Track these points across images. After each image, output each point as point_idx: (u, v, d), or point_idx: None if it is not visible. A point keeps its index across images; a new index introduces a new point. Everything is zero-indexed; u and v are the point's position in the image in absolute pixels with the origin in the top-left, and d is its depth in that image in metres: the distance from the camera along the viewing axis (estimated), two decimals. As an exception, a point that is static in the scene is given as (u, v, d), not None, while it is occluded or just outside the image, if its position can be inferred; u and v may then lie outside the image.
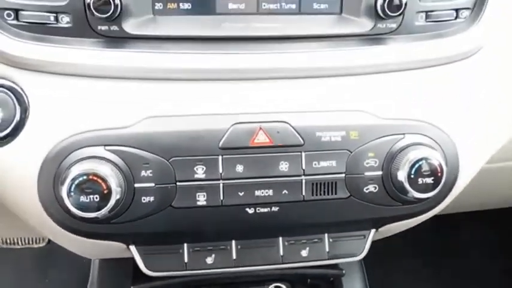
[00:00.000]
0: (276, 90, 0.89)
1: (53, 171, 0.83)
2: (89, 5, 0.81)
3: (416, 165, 0.85)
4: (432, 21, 0.96)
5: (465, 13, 0.96)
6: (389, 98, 0.93)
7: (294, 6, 0.94)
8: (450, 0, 0.95)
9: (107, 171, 0.79)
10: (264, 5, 0.93)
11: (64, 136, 0.83)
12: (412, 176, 0.85)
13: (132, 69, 0.85)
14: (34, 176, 0.85)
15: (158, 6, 0.90)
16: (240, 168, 0.85)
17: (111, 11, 0.81)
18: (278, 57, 0.88)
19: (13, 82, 0.84)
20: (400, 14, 0.90)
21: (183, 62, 0.86)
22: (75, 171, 0.78)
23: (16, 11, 0.84)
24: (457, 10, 0.96)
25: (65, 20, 0.85)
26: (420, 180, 0.85)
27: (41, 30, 0.85)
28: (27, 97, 0.84)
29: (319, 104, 0.90)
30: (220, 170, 0.85)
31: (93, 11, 0.81)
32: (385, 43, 0.93)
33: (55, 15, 0.84)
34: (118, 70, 0.84)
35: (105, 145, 0.82)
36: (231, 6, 0.92)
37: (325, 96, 0.91)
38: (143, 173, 0.82)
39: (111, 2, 0.81)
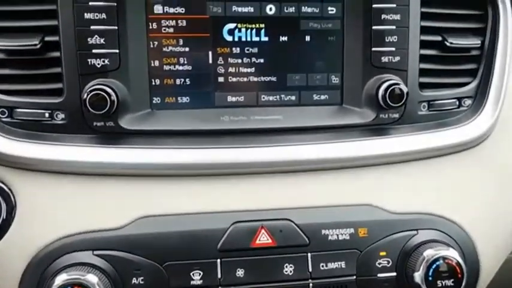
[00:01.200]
0: (277, 185, 0.85)
1: (36, 278, 0.77)
2: (85, 101, 0.79)
3: (434, 266, 0.78)
4: (435, 111, 0.94)
5: (468, 102, 0.95)
6: (397, 191, 0.89)
7: (293, 97, 0.92)
8: (452, 89, 0.94)
9: (94, 279, 0.71)
10: (264, 97, 0.91)
11: (51, 239, 0.78)
12: (430, 279, 0.77)
13: (127, 166, 0.81)
14: (15, 282, 0.78)
15: (156, 100, 0.88)
16: (240, 272, 0.78)
17: (107, 108, 0.79)
18: (279, 151, 0.85)
19: (1, 181, 0.80)
20: (402, 105, 0.88)
21: (181, 157, 0.82)
22: (59, 280, 0.71)
23: (11, 109, 0.82)
24: (459, 99, 0.95)
25: (60, 117, 0.83)
26: (439, 283, 0.78)
27: (34, 127, 0.83)
28: (14, 197, 0.79)
29: (323, 199, 0.85)
30: (219, 275, 0.77)
31: (89, 107, 0.79)
32: (388, 133, 0.91)
33: (50, 112, 0.82)
34: (113, 167, 0.81)
35: (93, 249, 0.76)
36: (230, 99, 0.91)
37: (329, 190, 0.86)
38: (134, 280, 0.75)
39: (108, 98, 0.79)
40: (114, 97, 0.80)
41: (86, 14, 0.81)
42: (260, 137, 0.88)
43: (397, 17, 0.89)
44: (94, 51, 0.82)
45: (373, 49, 0.90)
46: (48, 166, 0.80)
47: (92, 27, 0.81)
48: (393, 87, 0.87)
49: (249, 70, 0.90)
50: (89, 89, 0.79)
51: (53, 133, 0.83)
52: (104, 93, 0.79)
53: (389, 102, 0.87)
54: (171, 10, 0.86)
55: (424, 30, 0.91)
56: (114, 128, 0.83)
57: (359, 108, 0.92)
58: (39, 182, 0.80)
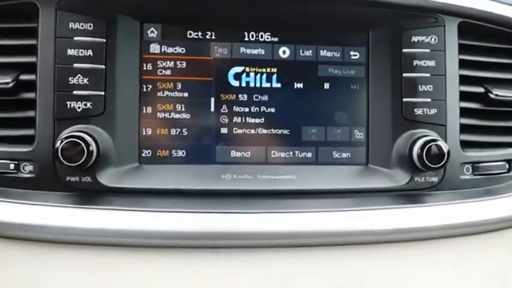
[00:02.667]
0: (288, 264, 0.67)
1: None
2: (57, 150, 0.65)
3: None
4: (480, 175, 0.78)
5: (520, 165, 0.80)
6: (434, 277, 0.70)
7: (309, 155, 0.78)
8: (500, 150, 0.79)
9: None
10: (274, 154, 0.77)
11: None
12: None
13: (106, 234, 0.65)
14: None
15: (146, 153, 0.74)
16: None
17: (83, 159, 0.65)
18: (290, 219, 0.68)
19: None
20: (442, 166, 0.72)
21: (173, 223, 0.66)
22: None
23: (-30, 158, 0.69)
24: (509, 161, 0.79)
25: (27, 169, 0.69)
26: None
27: (-5, 181, 0.69)
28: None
29: (341, 281, 0.67)
30: None
31: (61, 158, 0.65)
32: (425, 201, 0.74)
33: (17, 163, 0.69)
34: (88, 235, 0.65)
35: None
36: (234, 154, 0.76)
37: (350, 273, 0.69)
38: None
39: (85, 147, 0.65)
40: (93, 147, 0.66)
41: (69, 49, 0.69)
42: (268, 201, 0.72)
43: (432, 63, 0.76)
44: (75, 92, 0.69)
45: (404, 100, 0.76)
46: (12, 231, 0.65)
47: (75, 65, 0.69)
48: (431, 144, 0.72)
49: (257, 121, 0.77)
50: (64, 136, 0.66)
51: (18, 189, 0.69)
52: (80, 142, 0.65)
53: (427, 162, 0.72)
54: (170, 50, 0.75)
55: (463, 79, 0.78)
56: (91, 184, 0.69)
57: (388, 169, 0.77)
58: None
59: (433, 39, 0.76)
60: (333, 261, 0.69)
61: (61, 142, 0.65)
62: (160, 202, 0.70)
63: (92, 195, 0.69)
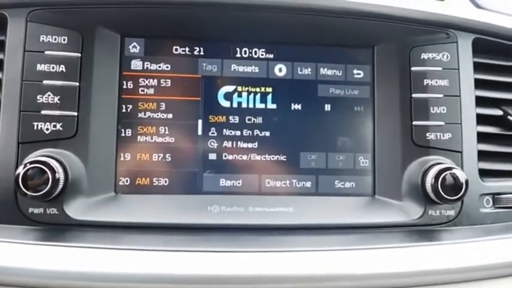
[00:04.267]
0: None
1: None
2: (17, 177, 0.57)
3: None
4: (502, 208, 0.69)
5: (545, 196, 0.70)
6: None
7: (309, 184, 0.69)
8: (523, 180, 0.70)
9: None
10: (268, 183, 0.68)
11: None
12: None
13: (73, 277, 0.55)
14: None
15: (123, 181, 0.66)
16: None
17: (47, 188, 0.57)
18: (285, 259, 0.58)
19: None
20: (459, 198, 0.64)
21: (152, 265, 0.56)
22: None
23: None
24: (534, 193, 0.70)
25: (-16, 199, 0.60)
26: None
27: None
28: None
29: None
30: None
31: (22, 186, 0.56)
32: (440, 239, 0.65)
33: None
34: (53, 278, 0.55)
35: None
36: (224, 183, 0.68)
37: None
38: None
39: (49, 174, 0.57)
40: (60, 174, 0.58)
41: (39, 64, 0.62)
42: (261, 238, 0.63)
43: (445, 82, 0.69)
44: (44, 112, 0.61)
45: (415, 123, 0.68)
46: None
47: (44, 81, 0.62)
48: (446, 173, 0.63)
49: (250, 146, 0.68)
50: (27, 161, 0.58)
51: (-27, 221, 0.60)
52: (45, 168, 0.57)
53: (442, 194, 0.63)
54: (153, 67, 0.67)
55: (480, 101, 0.70)
56: (58, 217, 0.60)
57: (398, 201, 0.68)
58: None
59: (445, 57, 0.69)
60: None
61: (23, 167, 0.57)
62: (138, 238, 0.61)
63: (58, 229, 0.60)
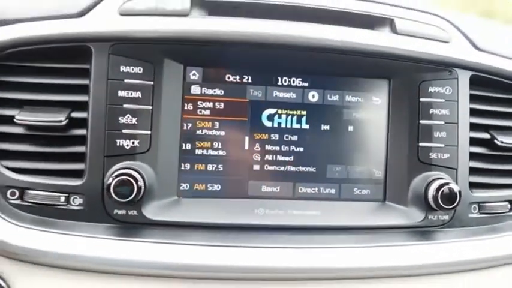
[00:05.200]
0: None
1: None
2: (108, 186, 0.70)
3: None
4: (486, 214, 0.86)
5: (520, 200, 0.88)
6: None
7: (333, 191, 0.84)
8: (504, 191, 0.87)
9: None
10: (301, 189, 0.83)
11: None
12: None
13: (151, 266, 0.70)
14: None
15: (184, 187, 0.80)
16: None
17: (133, 195, 0.70)
18: (317, 254, 0.75)
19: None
20: (454, 207, 0.80)
21: (212, 257, 0.72)
22: None
23: (22, 190, 0.73)
24: (511, 202, 0.88)
25: (76, 202, 0.73)
26: None
27: (45, 212, 0.73)
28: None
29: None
30: None
31: (113, 194, 0.70)
32: (437, 238, 0.82)
33: (66, 195, 0.73)
34: (134, 266, 0.70)
35: None
36: (265, 189, 0.82)
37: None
38: None
39: (135, 184, 0.70)
40: (141, 183, 0.72)
41: (120, 91, 0.74)
42: (296, 236, 0.79)
43: (446, 111, 0.84)
44: (124, 131, 0.74)
45: (421, 144, 0.84)
46: (59, 260, 0.69)
47: (124, 105, 0.74)
48: (445, 187, 0.80)
49: (287, 159, 0.83)
50: (115, 173, 0.71)
51: (66, 220, 0.73)
52: (130, 179, 0.70)
53: (441, 203, 0.79)
54: (209, 92, 0.80)
55: (473, 126, 0.86)
56: (136, 217, 0.74)
57: (404, 207, 0.84)
58: (43, 279, 0.69)
59: (447, 90, 0.84)
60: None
61: (112, 179, 0.70)
62: (197, 235, 0.75)
63: (136, 227, 0.74)
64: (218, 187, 0.81)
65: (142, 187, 0.72)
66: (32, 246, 0.68)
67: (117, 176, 0.70)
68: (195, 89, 0.80)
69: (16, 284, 0.69)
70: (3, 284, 0.68)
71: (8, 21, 0.74)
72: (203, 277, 0.72)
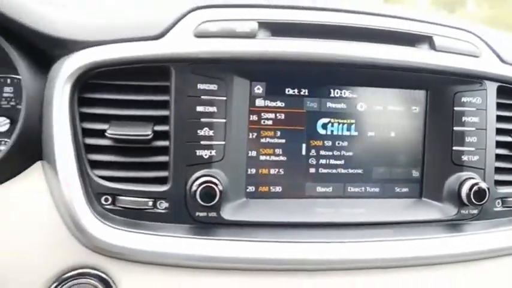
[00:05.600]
0: (373, 283, 0.87)
1: None
2: (194, 192, 0.80)
3: None
4: (508, 207, 0.99)
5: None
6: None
7: (377, 189, 0.96)
8: (522, 187, 1.00)
9: None
10: (350, 189, 0.94)
11: None
12: None
13: (230, 260, 0.81)
14: None
15: (250, 189, 0.90)
16: None
17: (216, 199, 0.80)
18: (365, 247, 0.87)
19: (103, 272, 0.78)
20: (483, 203, 0.92)
21: (280, 252, 0.83)
22: None
23: (113, 196, 0.82)
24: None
25: (163, 206, 0.83)
26: None
27: (135, 215, 0.82)
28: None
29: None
30: None
31: (199, 199, 0.79)
32: (466, 230, 0.94)
33: (153, 200, 0.82)
34: (216, 261, 0.81)
35: None
36: (319, 189, 0.93)
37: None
38: None
39: (217, 189, 0.80)
40: (220, 188, 0.81)
41: (198, 106, 0.83)
42: (349, 232, 0.90)
43: (476, 119, 0.96)
44: (202, 142, 0.83)
45: (454, 148, 0.95)
46: (152, 258, 0.79)
47: (202, 119, 0.83)
48: (476, 186, 0.92)
49: (338, 162, 0.94)
50: (197, 181, 0.81)
51: (154, 222, 0.83)
52: (213, 185, 0.80)
53: (473, 200, 0.91)
54: (272, 104, 0.90)
55: (498, 131, 0.98)
56: (216, 218, 0.84)
57: (439, 203, 0.96)
58: (140, 274, 0.79)
59: (478, 100, 0.95)
60: (404, 280, 0.88)
61: (197, 187, 0.80)
62: (265, 232, 0.86)
63: (214, 227, 0.84)
64: (279, 189, 0.91)
65: (221, 191, 0.81)
66: (129, 246, 0.78)
67: (201, 184, 0.80)
68: (259, 102, 0.89)
69: (121, 280, 0.79)
70: (107, 279, 0.78)
71: (95, 43, 0.81)
72: (272, 269, 0.83)
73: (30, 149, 0.82)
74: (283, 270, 0.84)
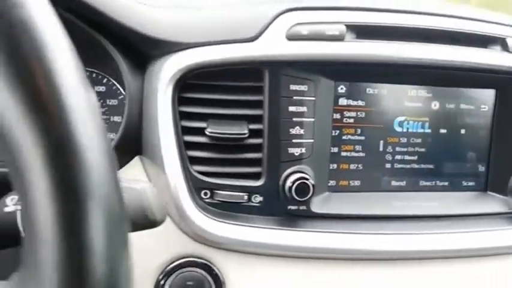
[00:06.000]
0: (443, 273, 0.93)
1: None
2: (290, 188, 0.85)
3: None
4: None
5: None
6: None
7: (446, 183, 1.01)
8: None
9: None
10: (422, 183, 1.00)
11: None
12: None
13: (319, 251, 0.87)
14: None
15: (331, 183, 0.95)
16: None
17: (310, 194, 0.86)
18: (437, 239, 0.93)
19: (208, 261, 0.84)
20: None
21: (363, 242, 0.89)
22: None
23: (211, 190, 0.87)
24: None
25: (257, 200, 0.88)
26: None
27: (231, 208, 0.88)
28: (223, 277, 0.84)
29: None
30: None
31: (294, 194, 0.85)
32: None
33: (248, 194, 0.88)
34: (308, 251, 0.87)
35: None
36: (394, 183, 0.99)
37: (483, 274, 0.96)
38: None
39: (310, 185, 0.86)
40: (313, 182, 0.87)
41: (290, 106, 0.88)
42: (425, 223, 0.96)
43: None
44: (294, 140, 0.88)
45: (518, 144, 1.01)
46: (250, 248, 0.85)
47: (294, 119, 0.88)
48: (540, 180, 0.98)
49: (412, 158, 0.99)
50: (293, 177, 0.86)
51: (249, 215, 0.88)
52: (306, 181, 0.86)
53: (537, 192, 0.98)
54: (353, 103, 0.94)
55: None
56: (306, 211, 0.90)
57: (504, 196, 1.02)
58: (240, 262, 0.85)
59: (541, 98, 1.01)
60: (471, 269, 0.95)
61: (292, 183, 0.85)
62: (347, 224, 0.92)
63: (303, 219, 0.90)
64: (358, 183, 0.97)
65: (314, 187, 0.87)
66: (230, 236, 0.84)
67: (296, 180, 0.85)
68: (342, 101, 0.94)
69: (223, 267, 0.85)
70: (213, 267, 0.84)
71: (195, 44, 0.85)
72: (357, 259, 0.90)
73: (131, 144, 0.87)
74: (367, 259, 0.90)
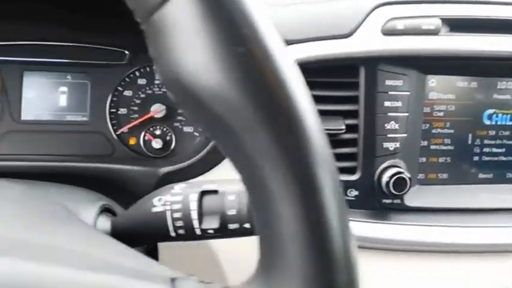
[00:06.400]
0: None
1: None
2: (387, 182, 0.86)
3: None
4: None
5: None
6: None
7: (520, 175, 1.02)
8: None
9: None
10: (509, 175, 1.00)
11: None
12: None
13: (415, 244, 0.89)
14: None
15: (421, 176, 0.96)
16: None
17: (407, 189, 0.87)
18: None
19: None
20: None
21: (455, 235, 0.90)
22: None
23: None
24: None
25: (353, 194, 0.90)
26: None
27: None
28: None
29: None
30: None
31: (392, 189, 0.86)
32: None
33: (344, 188, 0.89)
34: (404, 244, 0.88)
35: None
36: (481, 176, 0.99)
37: None
38: None
39: (407, 179, 0.87)
40: (409, 176, 0.88)
41: (385, 102, 0.89)
42: (505, 216, 0.96)
43: None
44: (389, 135, 0.89)
45: None
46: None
47: (389, 114, 0.89)
48: None
49: (499, 150, 0.99)
50: (390, 172, 0.87)
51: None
52: (404, 176, 0.87)
53: None
54: (444, 96, 0.95)
55: None
56: (400, 205, 0.91)
57: None
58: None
59: None
60: None
61: (390, 177, 0.86)
62: (441, 217, 0.93)
63: (396, 212, 0.92)
64: (446, 176, 0.98)
65: (411, 181, 0.88)
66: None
67: (394, 175, 0.86)
68: (433, 95, 0.94)
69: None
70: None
71: (296, 41, 0.86)
72: (448, 251, 0.91)
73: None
74: (458, 252, 0.91)
